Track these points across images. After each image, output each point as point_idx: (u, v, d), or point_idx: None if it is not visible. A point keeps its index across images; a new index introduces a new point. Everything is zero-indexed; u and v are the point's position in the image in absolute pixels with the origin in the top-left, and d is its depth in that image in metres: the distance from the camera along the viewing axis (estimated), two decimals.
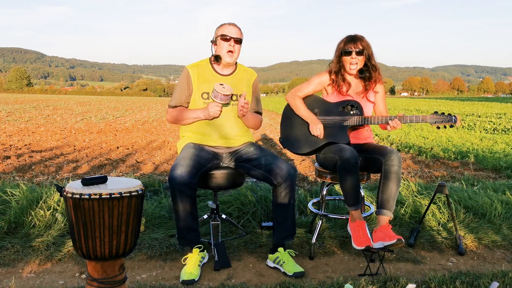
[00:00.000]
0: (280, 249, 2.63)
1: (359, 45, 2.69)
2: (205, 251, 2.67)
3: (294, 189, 2.63)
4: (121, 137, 10.71)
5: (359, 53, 2.70)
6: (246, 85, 2.83)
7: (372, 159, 2.64)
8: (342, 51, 2.72)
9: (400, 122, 2.66)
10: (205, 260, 2.62)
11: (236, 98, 2.76)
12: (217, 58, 2.73)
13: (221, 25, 2.75)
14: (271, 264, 2.65)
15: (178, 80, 2.84)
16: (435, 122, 2.67)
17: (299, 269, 2.53)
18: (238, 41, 2.71)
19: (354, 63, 2.71)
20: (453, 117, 2.65)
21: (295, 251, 2.74)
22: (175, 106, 2.79)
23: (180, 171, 2.49)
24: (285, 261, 2.58)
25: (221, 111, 2.65)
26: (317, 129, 2.73)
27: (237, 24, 2.75)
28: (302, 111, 2.81)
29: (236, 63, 2.83)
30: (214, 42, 2.76)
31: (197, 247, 2.59)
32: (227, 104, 2.71)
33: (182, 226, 2.57)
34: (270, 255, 2.67)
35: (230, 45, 2.68)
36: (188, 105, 2.79)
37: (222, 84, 2.60)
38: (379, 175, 2.63)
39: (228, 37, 2.68)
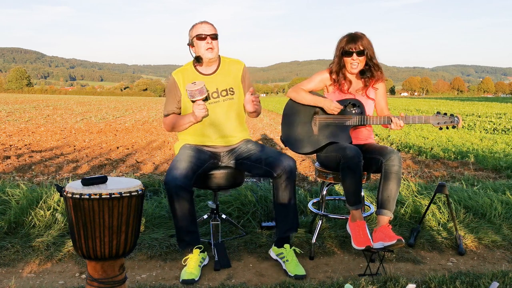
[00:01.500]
0: (287, 245, 2.63)
1: (359, 45, 2.66)
2: (206, 252, 2.66)
3: (295, 181, 2.62)
4: (121, 137, 10.71)
5: (359, 53, 2.67)
6: (234, 77, 2.79)
7: (372, 159, 2.63)
8: (343, 52, 2.71)
9: (403, 122, 2.65)
10: (206, 262, 2.61)
11: (227, 93, 2.75)
12: (198, 59, 2.71)
13: (193, 26, 2.73)
14: (274, 256, 2.65)
15: (166, 88, 2.85)
16: (438, 123, 2.67)
17: (301, 271, 2.52)
18: (214, 36, 2.70)
19: (355, 64, 2.70)
20: (455, 118, 2.65)
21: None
22: (168, 115, 2.79)
23: (176, 174, 2.48)
24: (288, 259, 2.57)
25: (206, 109, 2.64)
26: (333, 108, 2.69)
27: (208, 20, 2.74)
28: (308, 98, 2.78)
29: (219, 56, 2.80)
30: (191, 44, 2.74)
31: (198, 248, 2.59)
32: (207, 98, 2.69)
33: (181, 229, 2.57)
34: (274, 247, 2.67)
35: (207, 42, 2.67)
36: (180, 110, 2.78)
37: (193, 83, 2.60)
38: (379, 175, 2.63)
39: (203, 36, 2.66)
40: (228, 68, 2.79)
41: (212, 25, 2.72)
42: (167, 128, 2.82)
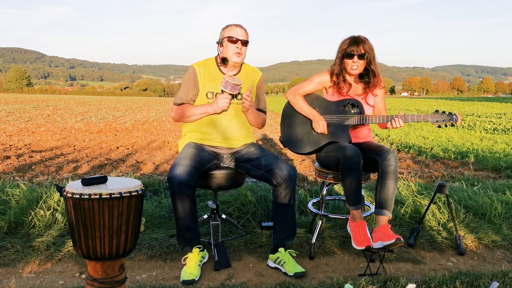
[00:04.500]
0: (281, 249, 2.63)
1: (361, 48, 2.67)
2: (205, 250, 2.67)
3: (294, 190, 2.62)
4: (121, 137, 10.71)
5: (360, 56, 2.68)
6: (251, 84, 2.81)
7: (369, 159, 2.64)
8: (344, 53, 2.71)
9: (402, 121, 2.67)
10: (205, 260, 2.62)
11: (241, 98, 2.76)
12: (224, 61, 2.71)
13: (227, 26, 2.72)
14: (272, 264, 2.65)
15: (184, 77, 2.80)
16: (436, 121, 2.68)
17: (300, 269, 2.53)
18: (245, 43, 2.69)
19: (355, 66, 2.70)
20: (453, 116, 2.67)
21: (295, 251, 2.74)
22: (181, 104, 2.77)
23: (179, 170, 2.48)
24: (285, 261, 2.58)
25: (229, 104, 2.66)
26: (320, 126, 2.72)
27: (242, 25, 2.73)
28: (304, 108, 2.79)
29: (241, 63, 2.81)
30: (220, 43, 2.73)
31: (197, 247, 2.59)
32: (236, 96, 2.71)
33: (181, 226, 2.57)
34: (270, 256, 2.67)
35: (237, 47, 2.66)
36: (194, 103, 2.77)
37: (232, 76, 2.63)
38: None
39: (235, 39, 2.65)
40: (247, 74, 2.81)
41: (246, 30, 2.72)
42: (177, 116, 2.78)
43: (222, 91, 2.65)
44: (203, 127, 2.75)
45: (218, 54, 2.76)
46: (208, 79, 2.72)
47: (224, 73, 2.75)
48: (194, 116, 2.73)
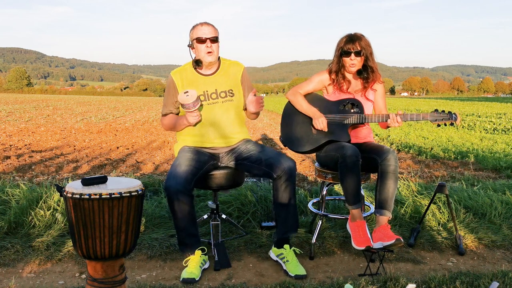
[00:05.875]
0: (286, 246, 2.63)
1: (357, 45, 2.69)
2: (207, 256, 2.64)
3: (294, 182, 2.62)
4: (121, 137, 10.71)
5: (357, 54, 2.70)
6: (234, 79, 2.78)
7: (369, 159, 2.64)
8: (342, 52, 2.73)
9: (401, 119, 2.67)
10: (206, 266, 2.60)
11: (226, 95, 2.75)
12: (197, 63, 2.70)
13: (194, 27, 2.70)
14: (274, 257, 2.65)
15: (166, 87, 2.84)
16: (436, 120, 2.68)
17: (302, 271, 2.52)
18: (214, 39, 2.67)
19: (353, 64, 2.72)
20: (453, 115, 2.68)
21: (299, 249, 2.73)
22: (166, 114, 2.80)
23: (175, 179, 2.48)
24: (289, 259, 2.57)
25: (200, 115, 2.64)
26: (320, 122, 2.72)
27: (210, 22, 2.71)
28: (304, 106, 2.81)
29: (219, 58, 2.79)
30: (191, 46, 2.72)
31: (200, 249, 2.59)
32: (201, 106, 2.70)
33: (182, 233, 2.57)
34: (274, 248, 2.67)
35: (207, 46, 2.65)
36: (178, 110, 2.79)
37: (186, 92, 2.54)
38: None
39: (203, 38, 2.64)
40: (228, 70, 2.79)
41: (213, 26, 2.70)
42: (165, 127, 2.84)
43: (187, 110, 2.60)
44: (195, 129, 2.75)
45: (192, 59, 2.75)
46: (186, 84, 2.72)
47: (201, 74, 2.74)
48: (178, 127, 2.76)
